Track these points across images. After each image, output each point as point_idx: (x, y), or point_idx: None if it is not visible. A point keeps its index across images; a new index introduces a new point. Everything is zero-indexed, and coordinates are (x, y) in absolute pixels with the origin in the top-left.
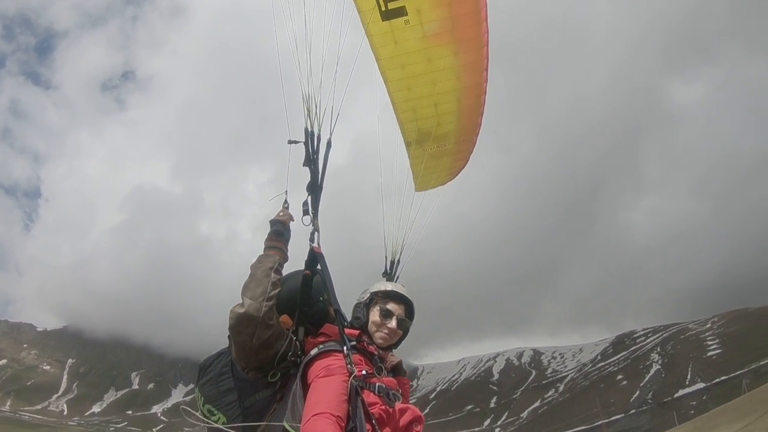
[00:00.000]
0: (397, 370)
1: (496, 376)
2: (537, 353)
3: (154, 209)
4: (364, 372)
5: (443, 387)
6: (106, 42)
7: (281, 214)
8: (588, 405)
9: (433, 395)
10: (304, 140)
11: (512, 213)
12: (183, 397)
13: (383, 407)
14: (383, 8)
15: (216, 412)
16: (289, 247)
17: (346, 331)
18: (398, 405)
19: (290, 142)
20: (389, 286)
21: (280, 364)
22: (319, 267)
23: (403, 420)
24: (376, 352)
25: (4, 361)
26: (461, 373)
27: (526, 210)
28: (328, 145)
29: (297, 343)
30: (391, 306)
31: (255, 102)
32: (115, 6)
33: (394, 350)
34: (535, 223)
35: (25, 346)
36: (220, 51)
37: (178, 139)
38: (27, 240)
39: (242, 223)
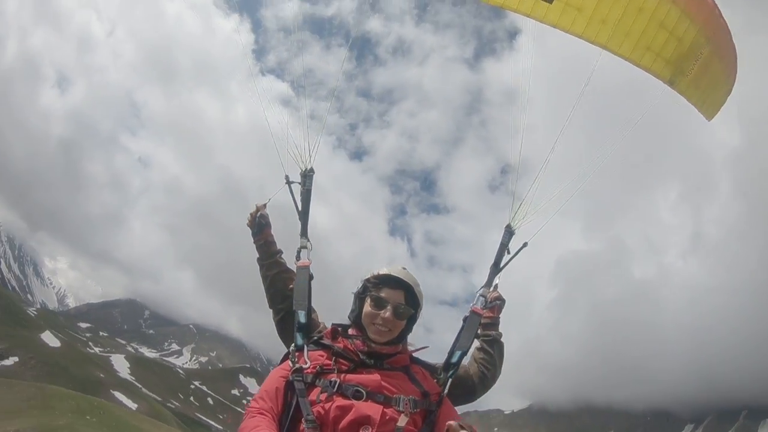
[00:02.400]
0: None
1: None
2: None
3: (582, 273)
4: (318, 368)
5: None
6: (472, 152)
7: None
8: None
9: None
10: (300, 181)
11: None
12: None
13: (321, 405)
14: None
15: None
16: (270, 231)
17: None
18: (339, 402)
19: (288, 182)
20: (383, 270)
21: None
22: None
23: (345, 421)
24: (363, 347)
25: None
26: None
27: None
28: (311, 176)
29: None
30: (384, 293)
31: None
32: (462, 123)
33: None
34: None
35: (495, 429)
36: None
37: (576, 200)
38: None
39: (670, 254)
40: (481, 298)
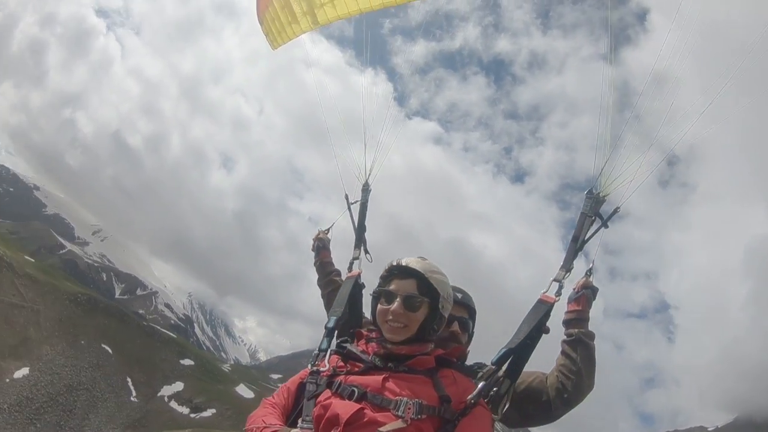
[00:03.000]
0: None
1: None
2: None
3: None
4: (332, 370)
5: None
6: (632, 149)
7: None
8: None
9: None
10: (361, 199)
11: None
12: None
13: (318, 405)
14: None
15: None
16: (324, 254)
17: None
18: (325, 401)
19: (350, 202)
20: (394, 262)
21: None
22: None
23: (324, 420)
24: (377, 349)
25: None
26: None
27: None
28: (368, 190)
29: None
30: (393, 285)
31: None
32: (616, 121)
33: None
34: None
35: None
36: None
37: (756, 179)
38: (673, 351)
39: None
40: (555, 284)
